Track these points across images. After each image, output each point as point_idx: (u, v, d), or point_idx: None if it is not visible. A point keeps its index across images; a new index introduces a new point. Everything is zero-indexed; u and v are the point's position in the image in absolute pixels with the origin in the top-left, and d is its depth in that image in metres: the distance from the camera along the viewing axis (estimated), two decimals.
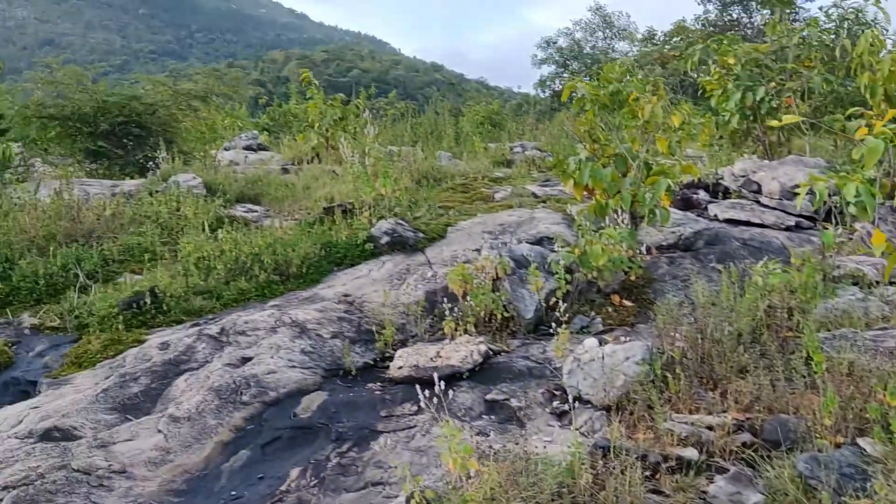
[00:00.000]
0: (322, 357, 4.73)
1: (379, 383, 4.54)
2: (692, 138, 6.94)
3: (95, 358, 4.61)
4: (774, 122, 3.45)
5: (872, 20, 9.71)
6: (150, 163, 10.58)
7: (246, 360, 4.61)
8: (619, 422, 3.76)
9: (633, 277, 5.74)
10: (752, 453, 3.43)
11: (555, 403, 4.18)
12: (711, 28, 32.62)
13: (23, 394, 4.39)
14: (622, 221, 6.06)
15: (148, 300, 5.22)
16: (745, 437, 3.60)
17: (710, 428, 3.64)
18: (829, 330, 4.67)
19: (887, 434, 3.24)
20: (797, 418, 3.58)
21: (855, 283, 5.53)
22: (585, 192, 6.65)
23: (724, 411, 3.79)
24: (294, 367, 4.54)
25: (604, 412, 3.97)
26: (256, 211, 8.55)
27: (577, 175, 6.29)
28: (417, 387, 3.42)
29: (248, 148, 15.70)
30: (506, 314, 5.18)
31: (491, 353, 4.75)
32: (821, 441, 3.35)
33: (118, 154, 11.61)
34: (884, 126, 4.70)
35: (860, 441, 3.33)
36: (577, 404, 4.07)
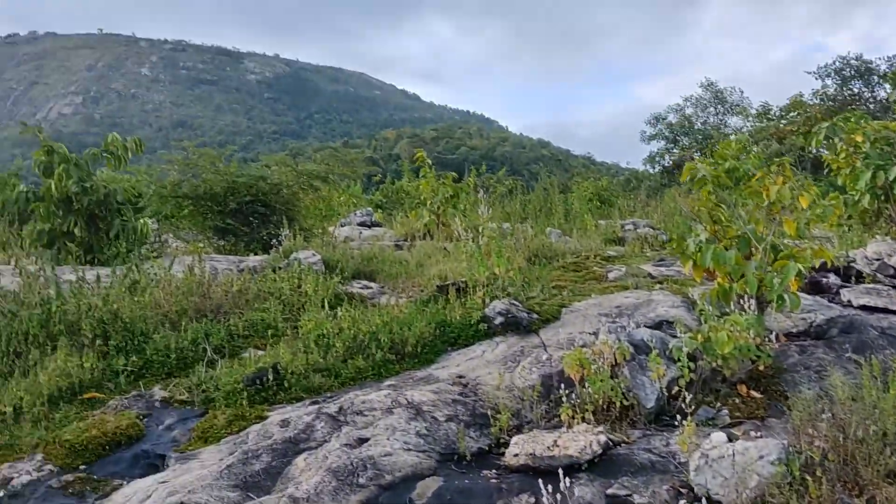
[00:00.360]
0: (437, 440, 4.69)
1: (494, 471, 4.44)
2: (821, 220, 6.62)
3: (220, 433, 4.75)
4: None
5: None
6: (274, 240, 11.10)
7: (363, 440, 4.63)
8: None
9: (761, 367, 5.44)
10: None
11: (681, 502, 3.95)
12: (830, 102, 31.63)
13: (152, 467, 4.56)
14: (748, 307, 5.79)
15: (270, 376, 5.38)
16: None
17: None
18: None
19: None
20: None
21: None
22: (706, 275, 6.44)
23: None
24: (409, 449, 4.52)
25: None
26: (371, 287, 8.75)
27: (699, 257, 6.11)
28: (540, 481, 3.31)
29: (362, 224, 16.24)
30: (625, 402, 5.00)
31: (610, 443, 4.57)
32: None
33: (244, 231, 12.25)
34: None
35: None
36: None
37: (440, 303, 7.12)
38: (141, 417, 5.04)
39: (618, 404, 4.96)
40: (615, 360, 5.17)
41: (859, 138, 9.11)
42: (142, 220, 10.89)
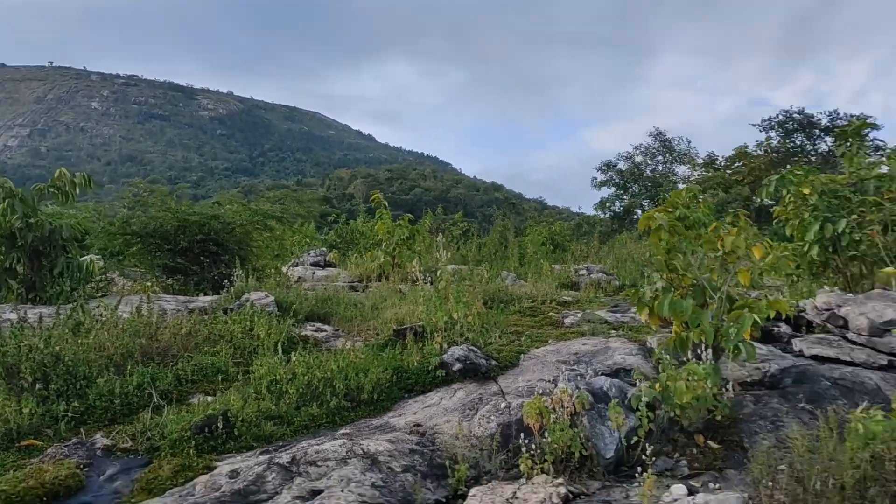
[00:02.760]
0: (393, 492, 4.55)
1: None
2: (775, 270, 6.75)
3: (165, 484, 4.51)
4: (888, 270, 3.27)
5: None
6: (225, 280, 10.84)
7: (316, 492, 4.45)
8: None
9: (718, 417, 5.44)
10: None
11: None
12: (774, 154, 32.77)
13: None
14: (704, 356, 5.82)
15: (220, 424, 5.16)
16: None
17: None
18: None
19: None
20: None
21: None
22: (661, 322, 6.48)
23: None
24: (364, 502, 4.36)
25: None
26: (326, 330, 8.58)
27: (656, 305, 6.15)
28: None
29: (315, 264, 16.03)
30: (584, 452, 4.93)
31: (570, 496, 4.49)
32: None
33: (194, 270, 11.96)
34: None
35: None
36: None
37: (397, 348, 7.00)
38: (81, 467, 4.76)
39: (577, 454, 4.89)
40: (575, 409, 5.12)
41: (807, 191, 9.36)
42: (88, 258, 10.54)
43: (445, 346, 6.78)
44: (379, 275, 13.10)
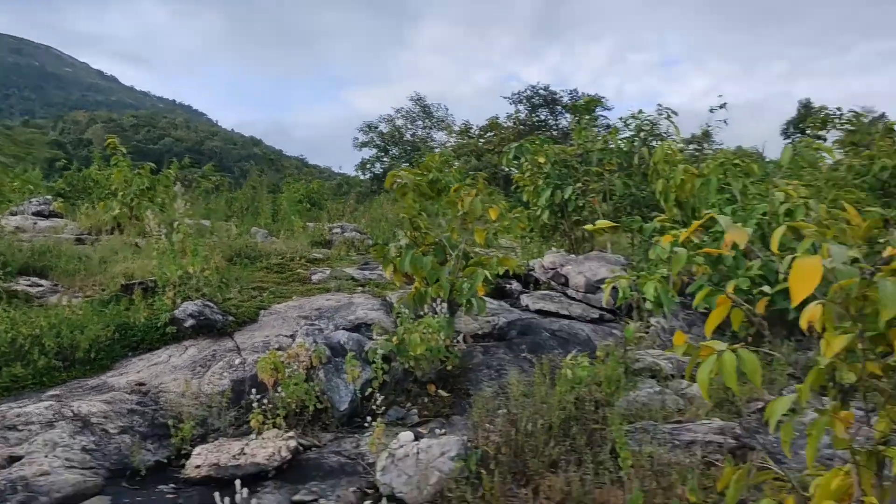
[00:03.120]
0: (107, 455, 4.19)
1: (172, 485, 4.07)
2: (508, 231, 7.20)
3: None
4: (589, 227, 3.61)
5: (665, 132, 10.82)
6: None
7: (14, 459, 3.97)
8: None
9: (449, 367, 5.71)
10: None
11: (366, 503, 3.95)
12: (521, 126, 35.09)
13: None
14: (440, 310, 6.06)
15: None
16: None
17: None
18: (630, 422, 4.87)
19: None
20: None
21: (652, 377, 5.87)
22: (405, 279, 6.64)
23: None
24: (73, 467, 3.97)
25: None
26: (42, 285, 7.67)
27: (398, 262, 6.27)
28: (217, 494, 3.06)
29: (38, 214, 14.29)
30: (319, 406, 4.91)
31: (301, 448, 4.45)
32: None
33: None
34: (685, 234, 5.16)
35: None
36: None
37: (123, 303, 6.45)
38: None
39: (311, 408, 4.86)
40: (311, 363, 5.07)
41: (542, 160, 10.11)
42: None
43: (179, 301, 6.38)
44: (113, 228, 12.01)
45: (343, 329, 5.97)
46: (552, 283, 8.38)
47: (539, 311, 7.46)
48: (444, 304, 6.07)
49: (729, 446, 4.58)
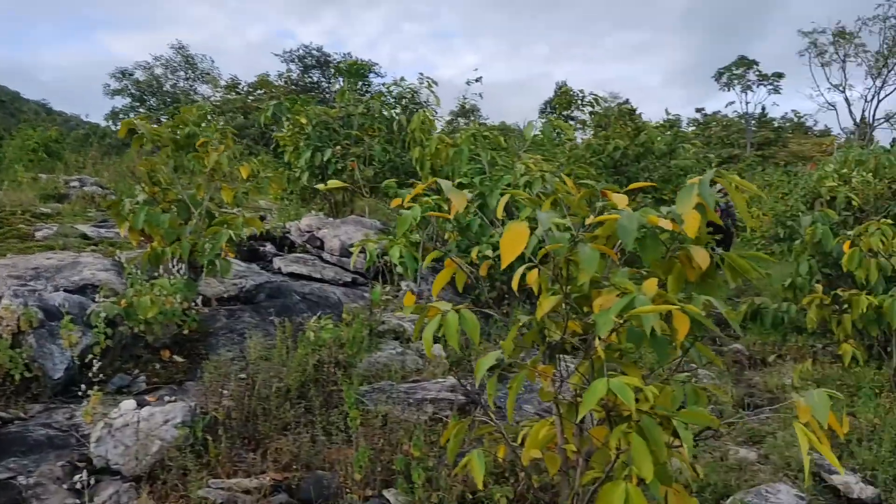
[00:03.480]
0: None
1: None
2: (260, 191, 6.95)
3: None
4: (320, 186, 3.56)
5: (425, 101, 11.08)
6: None
7: None
8: (150, 494, 3.41)
9: (186, 331, 5.41)
10: None
11: (76, 477, 3.63)
12: (293, 86, 34.26)
13: None
14: (179, 271, 5.71)
15: None
16: (283, 497, 3.54)
17: (247, 492, 3.50)
18: (370, 383, 4.95)
19: (410, 485, 3.46)
20: (332, 474, 3.64)
21: (396, 338, 6.02)
22: (142, 238, 6.16)
23: (264, 472, 3.70)
24: None
25: (133, 484, 3.55)
26: None
27: (133, 218, 5.80)
28: None
29: None
30: (28, 374, 4.42)
31: (1, 421, 3.98)
32: (351, 496, 3.44)
33: None
34: (424, 197, 5.31)
35: (386, 493, 3.51)
36: (104, 477, 3.61)
37: None
38: None
39: (17, 377, 4.35)
40: (19, 327, 4.54)
41: (303, 120, 9.90)
42: None
43: None
44: None
45: (64, 291, 5.42)
46: (308, 246, 8.27)
47: (291, 275, 7.33)
48: (184, 266, 5.73)
49: (460, 403, 4.83)
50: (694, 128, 45.26)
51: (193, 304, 5.64)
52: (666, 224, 2.88)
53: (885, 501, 4.52)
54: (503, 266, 2.83)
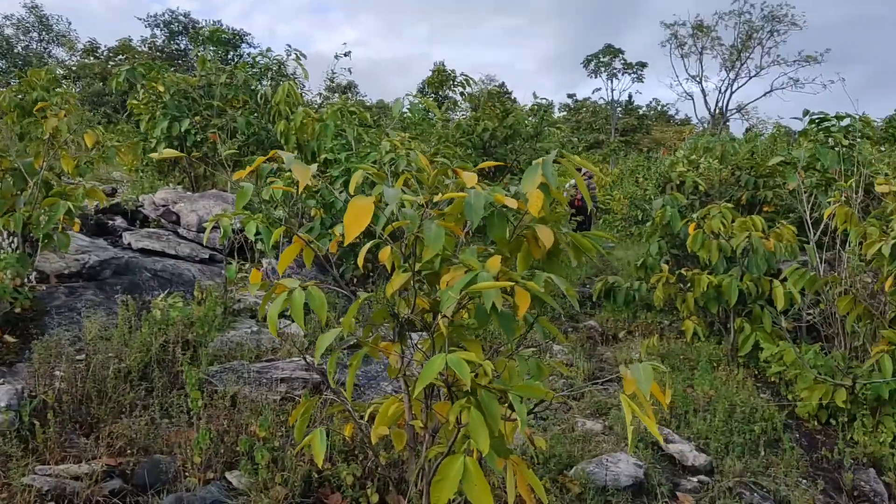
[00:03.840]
0: None
1: None
2: (106, 160, 6.52)
3: None
4: (154, 155, 3.34)
5: (293, 74, 10.76)
6: None
7: None
8: None
9: (19, 309, 5.02)
10: (121, 501, 3.20)
11: None
12: (158, 53, 32.50)
13: None
14: (12, 245, 5.28)
15: None
16: (116, 483, 3.35)
17: (77, 478, 3.29)
18: (222, 363, 4.78)
19: (254, 466, 3.36)
20: (171, 458, 3.49)
21: (253, 317, 5.85)
22: None
23: (98, 457, 3.49)
24: None
25: None
26: None
27: None
28: None
29: None
30: None
31: None
32: (191, 479, 3.31)
33: None
34: (287, 172, 5.16)
35: (228, 475, 3.40)
36: None
37: None
38: None
39: None
40: None
41: (161, 88, 9.37)
42: None
43: None
44: None
45: None
46: (163, 221, 7.87)
47: (143, 250, 6.95)
48: (16, 238, 5.31)
49: (315, 381, 4.75)
50: (565, 113, 46.76)
51: (27, 280, 5.23)
52: (511, 203, 2.93)
53: (716, 468, 4.87)
54: (346, 241, 2.78)
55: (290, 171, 4.36)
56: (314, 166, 2.89)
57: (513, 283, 2.90)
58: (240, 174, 3.29)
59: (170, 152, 2.85)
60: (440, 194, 3.08)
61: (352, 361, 2.90)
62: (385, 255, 3.12)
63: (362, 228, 2.77)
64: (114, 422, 3.75)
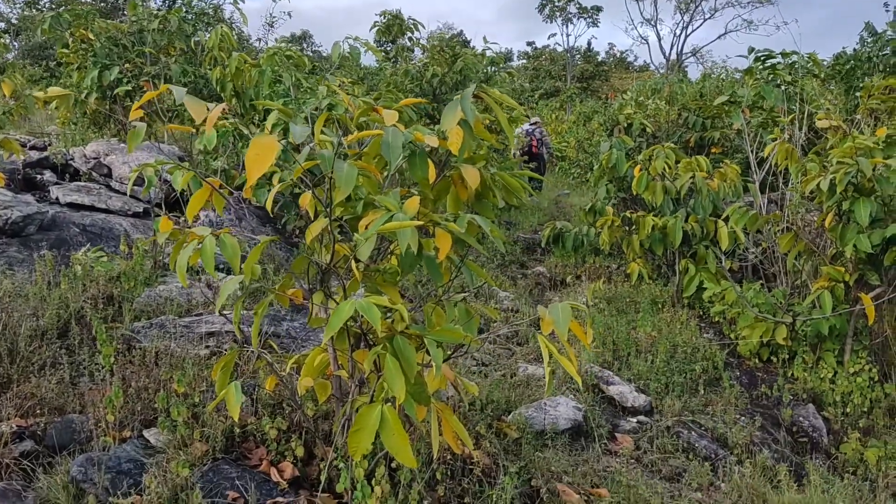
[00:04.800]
0: None
1: None
2: (26, 111, 6.17)
3: None
4: (38, 94, 3.10)
5: (229, 19, 10.32)
6: None
7: None
8: None
9: None
10: (33, 462, 3.05)
11: None
12: (103, 3, 31.11)
13: None
14: None
15: None
16: (27, 445, 3.19)
17: None
18: (149, 318, 4.60)
19: (172, 422, 3.23)
20: (85, 417, 3.33)
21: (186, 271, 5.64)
22: None
23: (8, 418, 3.32)
24: None
25: None
26: None
27: None
28: None
29: None
30: None
31: None
32: (106, 439, 3.16)
33: None
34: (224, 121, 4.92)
35: (146, 433, 3.26)
36: None
37: None
38: None
39: None
40: None
41: (91, 35, 8.91)
42: None
43: None
44: None
45: None
46: (94, 174, 7.54)
47: (71, 205, 6.66)
48: None
49: (247, 336, 4.60)
50: (525, 60, 46.24)
51: None
52: (433, 141, 2.78)
53: (656, 408, 4.87)
54: (248, 183, 2.62)
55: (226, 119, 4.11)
56: (217, 107, 2.68)
57: (429, 223, 2.77)
58: (135, 113, 3.07)
59: (56, 90, 2.63)
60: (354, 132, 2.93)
61: (257, 309, 2.77)
62: (305, 200, 2.97)
63: (265, 168, 2.58)
64: (26, 382, 3.57)
